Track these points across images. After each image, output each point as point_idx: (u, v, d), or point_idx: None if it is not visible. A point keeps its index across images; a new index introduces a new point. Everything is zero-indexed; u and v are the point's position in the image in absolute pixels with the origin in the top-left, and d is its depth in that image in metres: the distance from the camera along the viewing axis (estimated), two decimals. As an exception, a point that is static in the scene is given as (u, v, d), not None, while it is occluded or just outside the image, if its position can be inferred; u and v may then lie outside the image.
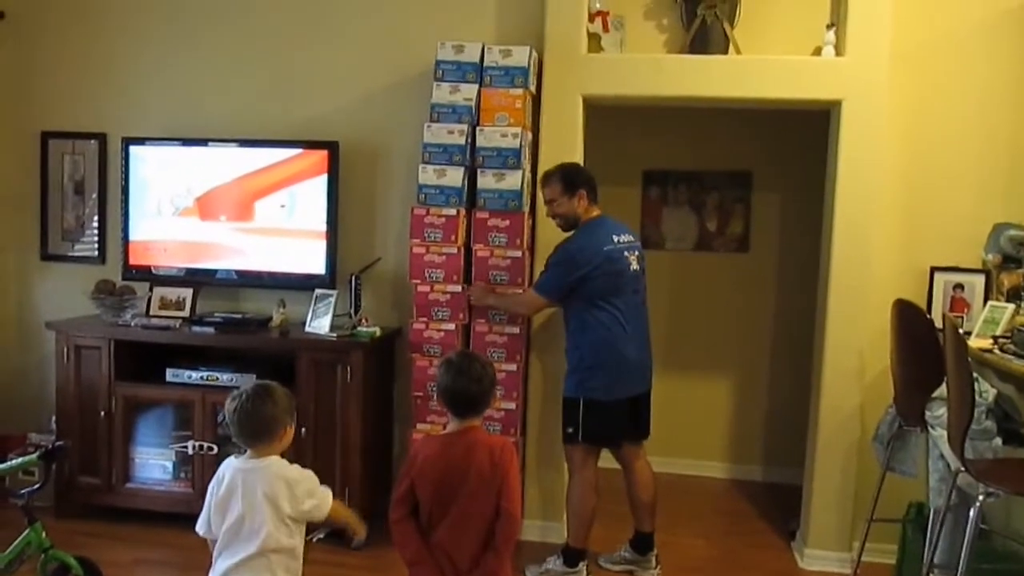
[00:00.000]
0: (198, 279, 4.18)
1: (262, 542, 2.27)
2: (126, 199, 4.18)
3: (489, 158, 3.69)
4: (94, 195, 4.38)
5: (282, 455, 2.39)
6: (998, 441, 2.87)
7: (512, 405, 3.70)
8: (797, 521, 4.00)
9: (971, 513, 2.59)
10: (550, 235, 3.68)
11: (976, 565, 2.84)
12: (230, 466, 2.38)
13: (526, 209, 3.74)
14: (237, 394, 2.35)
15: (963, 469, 2.67)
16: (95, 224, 4.39)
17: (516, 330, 3.70)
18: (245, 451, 2.38)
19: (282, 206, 4.04)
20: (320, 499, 2.38)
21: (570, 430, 3.48)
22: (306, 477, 2.38)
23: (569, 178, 3.47)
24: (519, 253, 3.69)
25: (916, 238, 3.76)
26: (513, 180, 3.68)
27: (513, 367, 3.71)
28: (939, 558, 2.97)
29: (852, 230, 3.68)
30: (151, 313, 4.13)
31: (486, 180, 3.71)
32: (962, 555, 2.60)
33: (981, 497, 2.58)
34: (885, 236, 3.73)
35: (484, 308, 3.68)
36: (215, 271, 4.14)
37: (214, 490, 2.37)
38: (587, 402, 3.43)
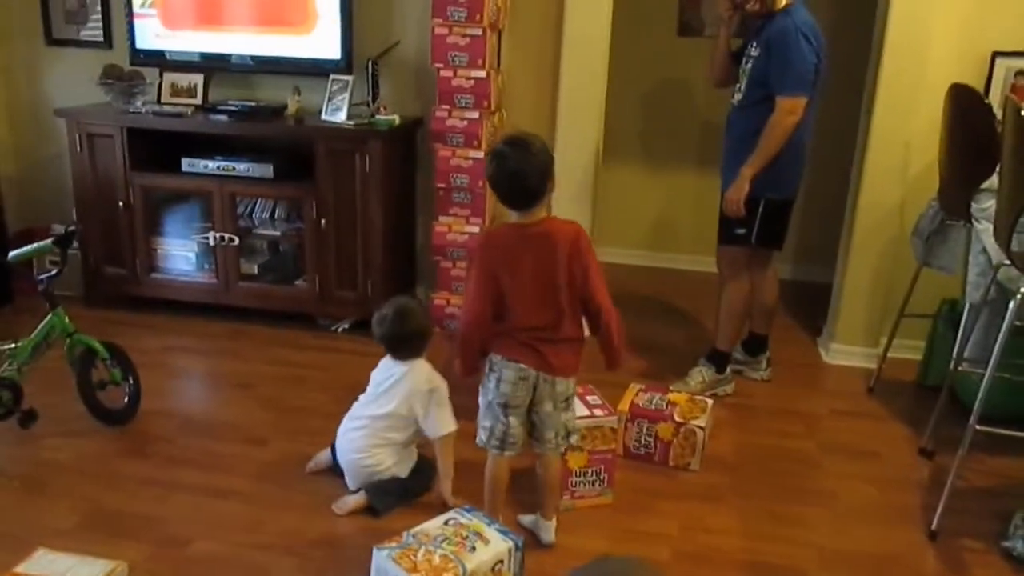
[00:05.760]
0: (211, 65, 3.99)
1: (381, 411, 2.57)
2: (128, -24, 3.91)
3: None
4: (94, -28, 4.10)
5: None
6: (1048, 235, 2.73)
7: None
8: (825, 319, 3.96)
9: (1010, 305, 2.49)
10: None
11: (1009, 360, 2.78)
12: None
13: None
14: (381, 316, 2.59)
15: (1007, 262, 2.55)
16: (99, 5, 4.13)
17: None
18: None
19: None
20: (442, 414, 2.55)
21: (741, 231, 3.21)
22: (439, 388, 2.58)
23: None
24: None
25: (979, 20, 3.44)
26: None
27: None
28: (970, 352, 2.91)
29: (909, 7, 3.37)
30: (162, 100, 3.97)
31: None
32: (995, 348, 2.52)
33: (1023, 290, 2.47)
34: (944, 17, 3.42)
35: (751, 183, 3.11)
36: (229, 56, 3.93)
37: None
38: (768, 201, 3.16)
